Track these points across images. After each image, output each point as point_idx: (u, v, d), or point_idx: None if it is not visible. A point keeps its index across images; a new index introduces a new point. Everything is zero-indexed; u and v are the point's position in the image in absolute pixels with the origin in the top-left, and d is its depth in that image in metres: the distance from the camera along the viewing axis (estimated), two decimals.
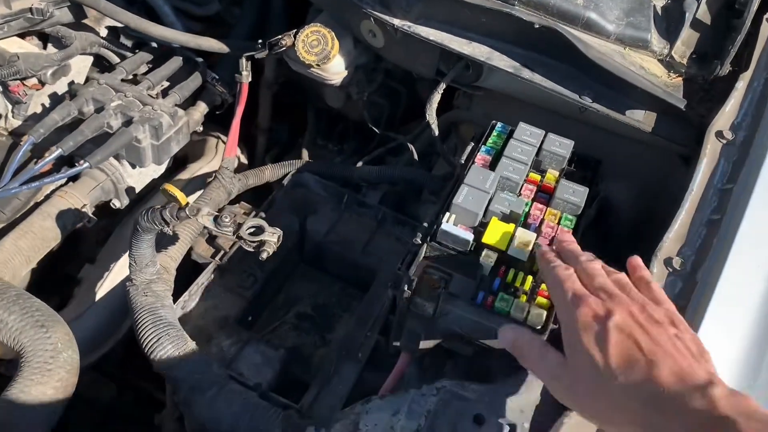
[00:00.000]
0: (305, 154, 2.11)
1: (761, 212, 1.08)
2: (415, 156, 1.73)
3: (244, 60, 1.60)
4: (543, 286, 1.10)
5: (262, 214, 1.60)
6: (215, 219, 1.18)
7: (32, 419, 1.01)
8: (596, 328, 0.80)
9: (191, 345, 1.25)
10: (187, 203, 1.21)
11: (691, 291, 1.02)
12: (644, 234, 1.33)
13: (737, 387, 0.94)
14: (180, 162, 2.08)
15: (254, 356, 1.42)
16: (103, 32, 1.83)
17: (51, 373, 1.06)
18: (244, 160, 2.18)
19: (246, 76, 1.63)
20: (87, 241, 1.90)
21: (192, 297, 1.47)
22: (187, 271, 1.56)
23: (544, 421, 0.94)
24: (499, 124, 1.35)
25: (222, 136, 2.12)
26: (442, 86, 1.49)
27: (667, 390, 0.72)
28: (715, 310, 0.99)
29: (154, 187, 1.86)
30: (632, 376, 0.75)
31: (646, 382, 0.74)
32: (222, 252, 1.53)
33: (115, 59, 1.79)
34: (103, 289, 1.70)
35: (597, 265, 0.94)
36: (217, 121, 2.01)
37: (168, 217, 1.19)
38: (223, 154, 1.66)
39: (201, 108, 1.87)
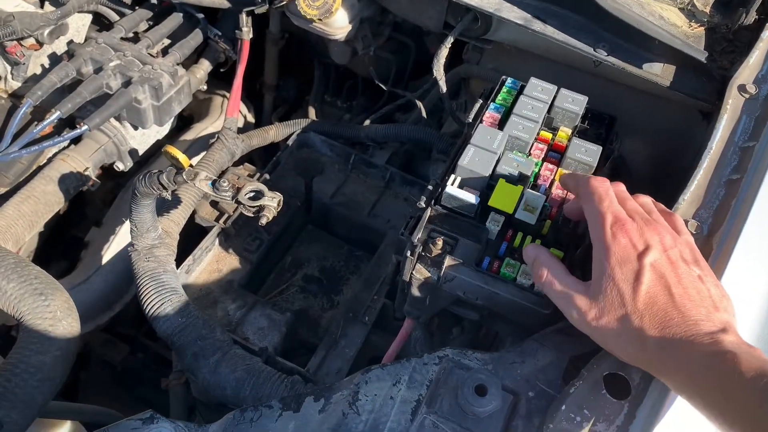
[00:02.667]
0: (312, 112, 2.06)
1: None
2: (424, 113, 1.67)
3: (244, 15, 1.55)
4: (552, 249, 1.06)
5: (267, 176, 1.56)
6: (213, 183, 1.15)
7: (32, 388, 1.00)
8: (633, 265, 0.82)
9: (194, 311, 1.23)
10: (190, 165, 1.17)
11: (706, 257, 0.97)
12: (661, 195, 1.28)
13: None
14: (186, 121, 2.05)
15: (260, 320, 1.40)
16: None
17: (50, 342, 1.05)
18: (251, 118, 2.14)
19: (246, 32, 1.58)
20: (93, 203, 1.89)
21: (196, 261, 1.45)
22: (193, 234, 1.55)
23: (550, 390, 0.91)
24: (509, 80, 1.29)
25: (228, 95, 2.07)
26: (450, 40, 1.42)
27: (682, 335, 0.77)
28: (732, 277, 0.95)
29: (159, 148, 1.83)
30: (655, 318, 0.79)
31: (665, 326, 0.78)
32: (226, 215, 1.50)
33: (114, 17, 1.74)
34: (110, 252, 1.69)
35: (624, 187, 0.97)
36: (222, 79, 1.96)
37: (165, 181, 1.16)
38: (225, 115, 1.61)
39: (204, 66, 1.82)
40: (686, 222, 1.00)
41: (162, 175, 1.16)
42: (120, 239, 1.68)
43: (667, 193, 1.09)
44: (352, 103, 2.18)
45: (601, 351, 0.91)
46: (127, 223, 1.72)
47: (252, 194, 1.15)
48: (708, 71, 1.22)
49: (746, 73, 1.13)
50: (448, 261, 1.05)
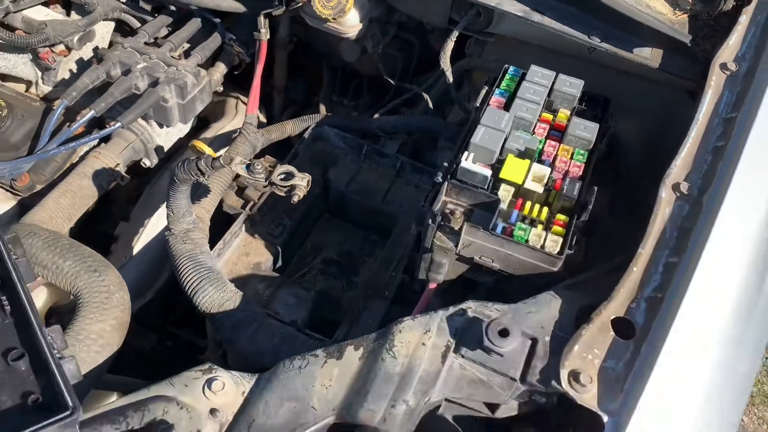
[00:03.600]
0: (323, 109, 2.17)
1: (763, 138, 1.14)
2: (430, 104, 1.79)
3: (262, 17, 1.66)
4: (559, 215, 1.18)
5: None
6: (248, 167, 1.26)
7: (95, 353, 1.10)
8: None
9: (230, 287, 1.34)
10: (219, 155, 1.28)
11: (697, 214, 1.09)
12: (653, 169, 1.40)
13: (739, 306, 1.02)
14: (202, 123, 2.15)
15: (288, 297, 1.51)
16: None
17: (107, 312, 1.15)
18: (262, 118, 2.25)
19: (264, 33, 1.69)
20: (119, 200, 1.98)
21: (227, 245, 1.55)
22: (219, 223, 1.65)
23: (563, 334, 1.02)
24: (511, 68, 1.41)
25: (241, 96, 2.18)
26: (455, 33, 1.54)
27: None
28: (720, 232, 1.06)
29: (180, 147, 1.93)
30: None
31: None
32: (251, 203, 1.61)
33: (136, 24, 1.85)
34: (139, 244, 1.79)
35: None
36: (234, 83, 2.07)
37: (203, 166, 1.27)
38: (245, 112, 1.72)
39: (220, 68, 1.93)
40: (678, 184, 1.12)
41: (200, 161, 1.27)
42: (148, 231, 1.78)
43: (658, 166, 1.20)
44: (358, 102, 2.30)
45: (608, 299, 1.02)
46: (154, 216, 1.83)
47: (283, 175, 1.25)
48: (692, 54, 1.35)
49: (727, 53, 1.26)
50: (466, 227, 1.16)
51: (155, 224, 1.81)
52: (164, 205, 1.78)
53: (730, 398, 1.00)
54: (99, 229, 1.94)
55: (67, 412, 0.82)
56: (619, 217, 1.44)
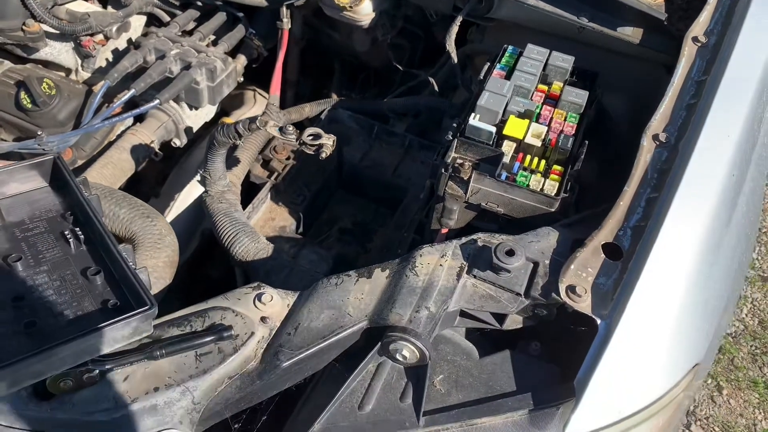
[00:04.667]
0: (335, 97, 2.35)
1: (729, 97, 1.33)
2: (436, 87, 1.98)
3: (284, 8, 1.84)
4: (555, 166, 1.36)
5: None
6: (281, 129, 1.43)
7: (149, 283, 1.26)
8: None
9: (263, 239, 1.50)
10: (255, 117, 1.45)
11: (674, 158, 1.26)
12: (637, 136, 1.58)
13: (711, 227, 1.20)
14: (222, 113, 2.33)
15: (311, 255, 1.67)
16: None
17: (160, 250, 1.31)
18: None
19: (286, 23, 1.87)
20: (148, 181, 2.14)
21: (255, 209, 1.72)
22: (244, 193, 1.81)
23: (559, 260, 1.19)
24: (510, 47, 1.59)
25: (257, 89, 2.36)
26: (459, 18, 1.73)
27: None
28: (693, 173, 1.23)
29: (206, 130, 2.10)
30: None
31: None
32: (276, 173, 1.78)
33: (166, 17, 2.03)
34: (168, 218, 1.94)
35: None
36: (251, 77, 2.25)
37: (241, 129, 1.44)
38: (269, 93, 1.90)
39: (241, 60, 2.11)
40: (657, 135, 1.30)
41: (238, 125, 1.44)
42: (178, 205, 1.94)
43: (641, 133, 1.38)
44: (365, 95, 2.48)
45: (599, 227, 1.19)
46: (182, 192, 1.99)
47: (312, 136, 1.43)
48: (669, 32, 1.53)
49: (698, 27, 1.45)
50: (474, 176, 1.33)
51: (184, 199, 1.97)
52: (192, 182, 1.96)
53: (702, 309, 1.16)
54: None
55: (146, 306, 0.97)
56: (607, 181, 1.62)
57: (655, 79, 1.63)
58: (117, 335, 0.97)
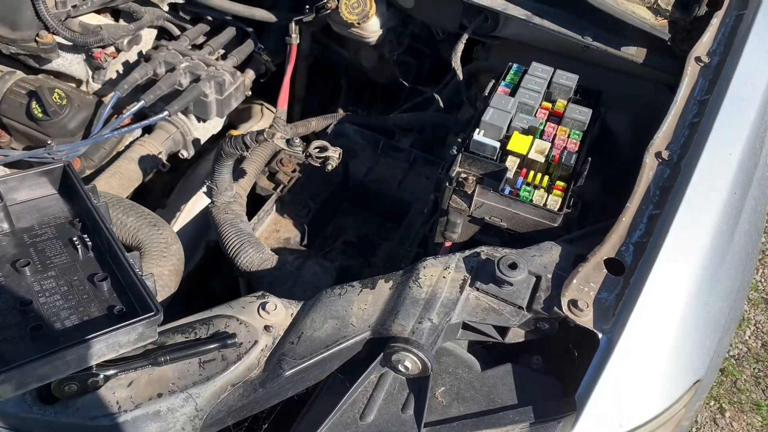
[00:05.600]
0: (341, 112, 2.37)
1: (731, 116, 1.34)
2: (441, 104, 2.00)
3: (293, 24, 1.87)
4: (558, 182, 1.37)
5: None
6: (287, 141, 1.45)
7: (155, 290, 1.27)
8: None
9: (268, 249, 1.51)
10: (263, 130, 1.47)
11: (676, 176, 1.28)
12: (640, 154, 1.59)
13: (713, 244, 1.21)
14: (229, 127, 2.35)
15: (315, 267, 1.68)
16: (165, 8, 2.10)
17: (166, 259, 1.33)
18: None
19: (295, 38, 1.90)
20: (154, 193, 2.16)
21: (260, 221, 1.73)
22: (250, 205, 1.83)
23: (561, 274, 1.19)
24: (515, 65, 1.62)
25: (265, 103, 2.39)
26: (465, 36, 1.75)
27: None
28: (695, 190, 1.25)
29: (213, 142, 2.12)
30: None
31: None
32: (282, 186, 1.80)
33: (176, 31, 2.06)
34: (175, 228, 1.96)
35: None
36: (257, 92, 2.28)
37: (249, 141, 1.45)
38: (277, 107, 1.92)
39: (250, 74, 2.14)
40: (660, 152, 1.31)
41: (246, 136, 1.46)
42: (184, 216, 1.96)
43: (642, 151, 1.39)
44: (372, 110, 2.51)
45: (602, 242, 1.20)
46: (188, 204, 2.01)
47: (318, 149, 1.44)
48: (672, 52, 1.55)
49: (701, 48, 1.46)
50: (478, 190, 1.35)
51: (190, 210, 1.99)
52: (198, 193, 1.97)
53: (703, 325, 1.17)
54: None
55: (152, 312, 0.99)
56: (610, 197, 1.63)
57: (658, 98, 1.65)
58: (122, 340, 0.99)
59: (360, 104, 2.54)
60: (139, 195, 2.12)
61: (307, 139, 2.15)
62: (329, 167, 1.43)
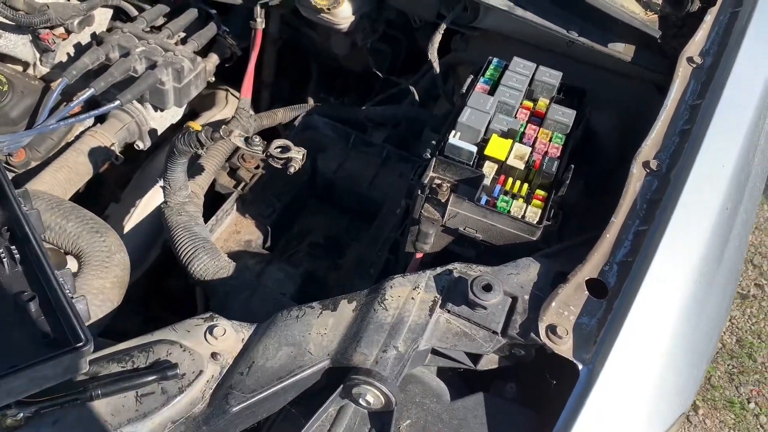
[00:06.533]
0: (311, 103, 2.25)
1: (725, 123, 1.25)
2: (417, 97, 1.88)
3: (258, 7, 1.74)
4: (538, 191, 1.27)
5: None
6: (246, 140, 1.32)
7: (95, 307, 1.15)
8: None
9: (224, 256, 1.40)
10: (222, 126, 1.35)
11: (665, 188, 1.18)
12: (625, 156, 1.50)
13: (703, 264, 1.12)
14: (191, 114, 2.21)
15: (277, 272, 1.57)
16: None
17: (108, 270, 1.21)
18: (250, 112, 2.31)
19: (260, 22, 1.76)
20: (109, 184, 2.03)
21: (219, 222, 1.61)
22: (209, 203, 1.71)
23: (539, 295, 1.10)
24: (495, 60, 1.50)
25: (230, 89, 2.24)
26: (443, 26, 1.63)
27: None
28: (685, 205, 1.15)
29: (172, 133, 1.99)
30: None
31: None
32: (243, 183, 1.67)
33: (134, 12, 1.91)
34: (128, 225, 1.83)
35: None
36: (224, 76, 2.14)
37: (203, 138, 1.33)
38: (240, 96, 1.79)
39: (213, 59, 2.00)
40: (648, 162, 1.21)
41: (200, 133, 1.33)
42: (139, 212, 1.83)
43: (630, 154, 1.30)
44: (344, 100, 2.38)
45: (583, 261, 1.10)
46: (144, 198, 1.88)
47: (280, 149, 1.32)
48: (662, 50, 1.45)
49: (693, 47, 1.37)
50: (452, 198, 1.24)
51: (146, 205, 1.86)
52: (155, 187, 1.84)
53: (691, 353, 1.08)
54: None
55: (81, 343, 0.87)
56: (593, 200, 1.54)
57: (647, 97, 1.55)
58: (47, 374, 0.87)
59: (333, 92, 2.41)
60: (93, 187, 1.99)
61: (274, 132, 2.04)
62: (291, 170, 1.31)
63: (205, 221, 1.59)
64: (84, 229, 1.24)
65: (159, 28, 1.87)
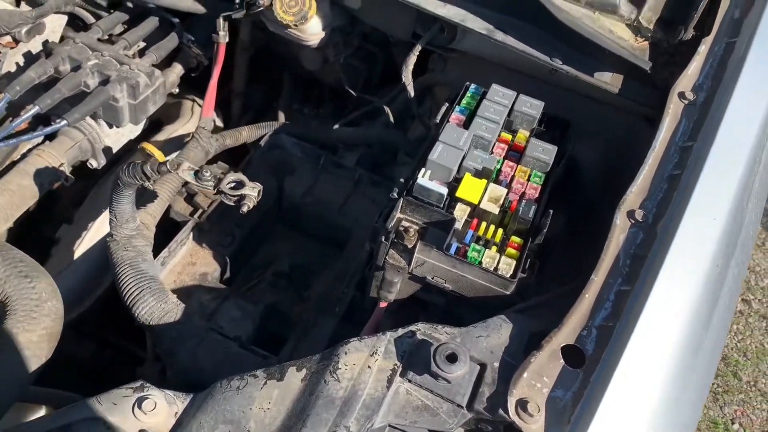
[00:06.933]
0: (281, 117, 2.13)
1: (719, 169, 1.15)
2: (391, 118, 1.77)
3: (221, 20, 1.61)
4: (513, 237, 1.16)
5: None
6: (196, 173, 1.20)
7: (19, 365, 1.04)
8: None
9: (172, 298, 1.28)
10: (166, 160, 1.23)
11: (651, 242, 1.08)
12: (609, 192, 1.39)
13: (691, 331, 1.02)
14: (155, 125, 2.08)
15: (233, 311, 1.45)
16: None
17: (36, 321, 1.09)
18: (219, 123, 2.19)
19: (223, 36, 1.64)
20: (62, 202, 1.90)
21: (172, 254, 1.49)
22: (166, 230, 1.59)
23: (513, 361, 1.00)
24: (472, 86, 1.39)
25: (197, 99, 2.12)
26: (418, 48, 1.52)
27: None
28: (672, 263, 1.05)
29: (129, 149, 1.86)
30: None
31: None
32: (200, 210, 1.56)
33: (90, 19, 1.78)
34: (80, 249, 1.71)
35: None
36: (191, 85, 2.01)
37: (149, 171, 1.21)
38: (200, 115, 1.67)
39: (177, 70, 1.87)
40: (633, 211, 1.11)
41: (146, 165, 1.21)
42: (92, 235, 1.71)
43: (616, 189, 1.20)
44: (319, 111, 2.26)
45: (559, 326, 1.00)
46: (98, 220, 1.76)
47: (233, 184, 1.21)
48: (652, 81, 1.35)
49: (685, 81, 1.26)
50: (419, 246, 1.13)
51: (99, 228, 1.74)
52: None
53: (676, 429, 0.98)
54: (39, 232, 1.85)
55: None
56: (576, 237, 1.44)
57: (635, 129, 1.45)
58: None
59: (307, 103, 2.28)
60: (46, 205, 1.86)
61: (241, 150, 1.91)
62: (244, 209, 1.19)
63: (158, 252, 1.48)
64: (12, 273, 1.12)
65: (118, 37, 1.74)
